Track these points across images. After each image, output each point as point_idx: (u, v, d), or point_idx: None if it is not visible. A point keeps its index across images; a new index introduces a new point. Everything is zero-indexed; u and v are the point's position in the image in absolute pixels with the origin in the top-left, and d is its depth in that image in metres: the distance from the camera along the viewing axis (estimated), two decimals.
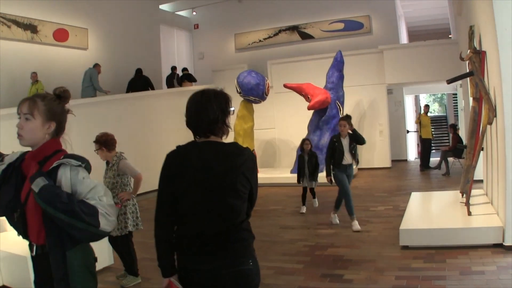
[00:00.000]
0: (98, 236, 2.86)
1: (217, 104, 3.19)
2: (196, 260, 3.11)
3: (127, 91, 18.62)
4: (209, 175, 3.07)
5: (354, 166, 10.09)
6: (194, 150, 3.21)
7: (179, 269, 3.20)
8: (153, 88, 19.31)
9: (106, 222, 2.89)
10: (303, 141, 12.03)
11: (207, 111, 3.18)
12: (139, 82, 19.03)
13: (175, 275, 3.20)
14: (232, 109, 3.28)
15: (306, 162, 11.61)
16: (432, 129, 17.83)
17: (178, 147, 3.28)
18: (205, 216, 3.09)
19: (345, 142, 9.47)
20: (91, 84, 17.13)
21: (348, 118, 9.71)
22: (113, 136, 6.99)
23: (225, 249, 3.09)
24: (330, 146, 9.72)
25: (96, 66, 17.72)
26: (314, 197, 11.87)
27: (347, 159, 9.47)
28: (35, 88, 15.11)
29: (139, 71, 19.37)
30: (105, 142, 6.87)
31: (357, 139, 9.58)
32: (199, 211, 3.10)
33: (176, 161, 3.20)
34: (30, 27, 16.57)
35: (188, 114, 3.30)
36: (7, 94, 15.29)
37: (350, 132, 9.61)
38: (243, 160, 3.15)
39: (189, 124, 3.30)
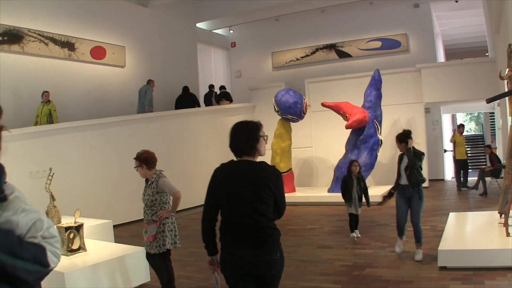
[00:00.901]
0: (46, 274, 2.58)
1: (251, 134, 4.36)
2: (234, 248, 4.23)
3: (176, 109, 19.02)
4: (241, 186, 4.21)
5: (424, 185, 9.06)
6: (232, 167, 4.39)
7: (222, 255, 4.32)
8: (199, 105, 19.65)
9: (55, 260, 2.52)
10: (351, 162, 10.68)
11: (244, 139, 4.36)
12: (185, 100, 19.42)
13: (215, 255, 4.47)
14: (265, 135, 4.45)
15: (354, 186, 10.44)
16: (468, 149, 17.69)
17: (222, 164, 4.46)
18: (240, 217, 4.20)
19: (405, 160, 8.61)
20: (145, 98, 17.73)
21: (404, 135, 8.63)
22: (154, 154, 7.00)
23: (256, 242, 4.20)
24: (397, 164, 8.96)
25: (150, 82, 18.19)
26: (356, 228, 10.49)
27: (404, 179, 8.58)
28: (47, 109, 14.65)
29: (185, 89, 19.88)
30: (145, 160, 6.86)
31: (409, 158, 8.48)
32: (235, 213, 4.23)
33: (218, 175, 4.40)
34: (68, 45, 16.87)
35: (230, 140, 4.45)
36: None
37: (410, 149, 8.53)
38: (267, 174, 4.25)
39: (231, 147, 4.46)
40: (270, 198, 4.19)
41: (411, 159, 8.45)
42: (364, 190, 10.49)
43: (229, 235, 4.26)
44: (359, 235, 10.43)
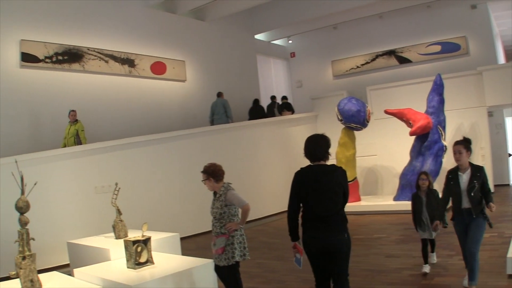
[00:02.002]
0: None
1: (327, 144, 5.99)
2: (315, 232, 5.74)
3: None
4: (318, 184, 5.72)
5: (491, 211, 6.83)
6: (310, 169, 5.92)
7: (304, 238, 5.84)
8: (266, 117, 19.83)
9: None
10: (419, 175, 9.01)
11: (318, 148, 5.94)
12: (255, 112, 19.99)
13: (298, 240, 5.92)
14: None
15: (424, 205, 8.68)
16: None
17: (301, 168, 5.93)
18: (318, 207, 5.70)
19: (464, 178, 6.94)
20: (224, 112, 18.09)
21: (465, 142, 7.08)
22: (221, 167, 7.04)
23: (330, 225, 5.71)
24: (444, 184, 7.33)
25: (222, 94, 18.61)
26: (432, 251, 8.99)
27: (465, 202, 6.85)
28: (74, 129, 14.16)
29: (256, 101, 20.45)
30: (213, 173, 6.92)
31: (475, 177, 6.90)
32: (314, 204, 5.72)
33: (299, 176, 5.88)
34: (128, 61, 17.28)
35: (306, 149, 6.04)
36: (108, 127, 16.05)
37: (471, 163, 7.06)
38: (338, 174, 5.83)
39: (307, 155, 6.02)
40: (340, 191, 5.74)
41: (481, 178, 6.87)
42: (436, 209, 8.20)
43: (310, 222, 5.78)
44: (435, 260, 9.00)
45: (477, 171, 6.95)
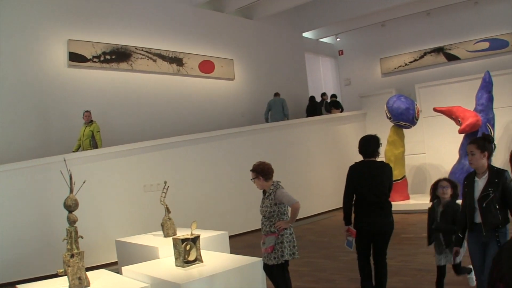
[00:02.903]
0: None
1: (373, 142, 7.03)
2: (366, 216, 6.83)
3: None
4: (370, 176, 6.84)
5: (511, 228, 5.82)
6: (363, 164, 7.03)
7: (356, 222, 6.88)
8: (317, 114, 20.15)
9: None
10: (438, 182, 7.17)
11: (369, 146, 7.02)
12: (311, 109, 20.37)
13: (351, 225, 6.86)
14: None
15: (439, 219, 6.91)
16: None
17: (356, 163, 7.05)
18: (372, 196, 6.78)
19: (480, 184, 5.81)
20: (282, 110, 18.48)
21: (479, 141, 5.97)
22: (270, 166, 7.02)
23: (380, 211, 6.82)
24: (462, 194, 6.20)
25: (277, 94, 19.02)
26: (468, 272, 7.21)
27: (477, 215, 5.75)
28: (89, 130, 13.65)
29: (312, 99, 20.82)
30: (262, 171, 6.91)
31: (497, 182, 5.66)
32: (366, 193, 6.81)
33: (354, 169, 7.01)
34: (176, 60, 17.40)
35: (360, 147, 7.09)
36: (156, 126, 16.12)
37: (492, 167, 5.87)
38: (386, 169, 7.05)
39: (360, 152, 7.08)
40: (387, 183, 6.96)
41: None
42: (452, 225, 6.62)
43: (363, 208, 6.85)
44: (474, 283, 6.95)
45: (496, 176, 5.66)
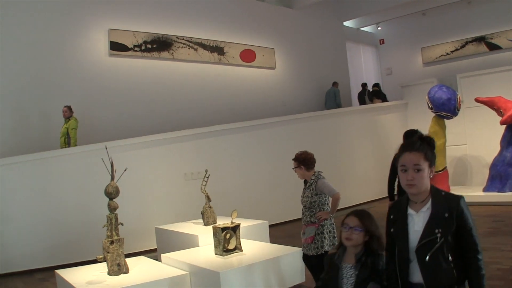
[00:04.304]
0: None
1: (414, 135, 7.00)
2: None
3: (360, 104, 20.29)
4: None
5: None
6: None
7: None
8: (370, 100, 20.44)
9: None
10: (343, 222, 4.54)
11: (410, 138, 6.31)
12: (362, 95, 20.65)
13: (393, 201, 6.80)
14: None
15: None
16: None
17: (396, 154, 5.97)
18: None
19: (418, 221, 3.59)
20: (334, 100, 19.14)
21: (427, 145, 3.69)
22: (313, 155, 7.01)
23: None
24: (386, 233, 4.24)
25: (335, 84, 19.54)
26: None
27: (415, 271, 3.56)
28: (64, 128, 12.84)
29: (363, 85, 21.20)
30: (304, 161, 6.90)
31: None
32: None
33: (397, 159, 5.95)
34: (217, 49, 17.49)
35: (403, 140, 7.61)
36: (197, 114, 16.24)
37: None
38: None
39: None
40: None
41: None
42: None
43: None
44: None
45: (447, 207, 3.49)
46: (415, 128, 8.53)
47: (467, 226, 3.46)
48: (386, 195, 8.59)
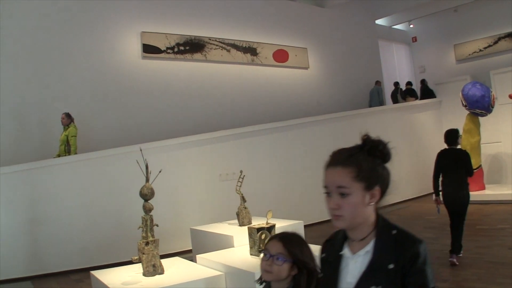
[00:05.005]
0: None
1: (453, 134, 9.18)
2: (449, 189, 8.65)
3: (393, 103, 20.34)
4: (453, 160, 8.83)
5: None
6: (449, 151, 9.08)
7: (443, 193, 8.54)
8: (403, 98, 20.47)
9: None
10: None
11: (451, 137, 9.12)
12: (395, 94, 20.74)
13: (438, 196, 8.98)
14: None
15: None
16: None
17: (441, 150, 9.16)
18: (454, 175, 8.75)
19: (354, 269, 2.37)
20: (378, 98, 19.42)
21: (361, 156, 2.77)
22: None
23: (459, 185, 8.67)
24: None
25: (378, 83, 19.89)
26: None
27: None
28: (64, 136, 12.46)
29: (396, 84, 21.22)
30: None
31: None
32: (449, 172, 8.85)
33: (441, 155, 9.05)
34: (250, 50, 17.54)
35: (444, 138, 9.23)
36: (231, 115, 16.27)
37: None
38: (464, 155, 8.99)
39: (447, 141, 9.16)
40: (465, 164, 8.84)
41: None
42: None
43: (446, 184, 8.89)
44: None
45: (393, 255, 2.31)
46: (449, 127, 8.98)
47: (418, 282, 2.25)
48: (422, 194, 10.17)
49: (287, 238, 3.19)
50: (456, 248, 8.79)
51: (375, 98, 20.14)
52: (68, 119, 12.53)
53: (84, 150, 12.35)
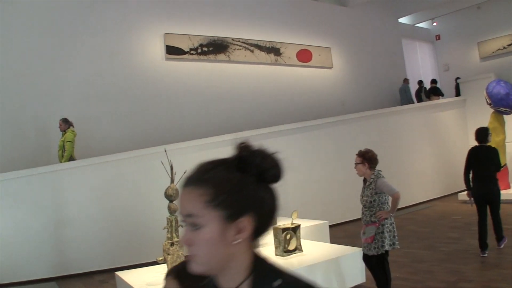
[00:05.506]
0: None
1: (483, 132, 9.61)
2: (479, 184, 9.28)
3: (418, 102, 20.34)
4: (484, 156, 9.35)
5: None
6: (477, 147, 9.55)
7: (473, 189, 9.37)
8: (427, 97, 20.51)
9: None
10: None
11: (481, 135, 9.56)
12: (419, 93, 20.82)
13: (470, 190, 9.41)
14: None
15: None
16: None
17: (472, 147, 9.63)
18: (485, 170, 9.29)
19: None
20: (406, 96, 19.68)
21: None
22: (377, 156, 6.98)
23: (488, 181, 9.23)
24: None
25: (405, 81, 20.20)
26: None
27: None
28: (61, 141, 12.29)
29: (420, 82, 21.24)
30: (370, 159, 6.88)
31: None
32: (479, 168, 9.36)
33: (472, 151, 9.54)
34: (273, 50, 17.49)
35: (475, 135, 9.63)
36: (255, 115, 16.23)
37: None
38: (494, 152, 9.39)
39: (478, 139, 9.53)
40: (494, 162, 9.30)
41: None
42: None
43: (476, 179, 9.35)
44: None
45: None
46: (474, 125, 9.06)
47: None
48: (447, 193, 10.11)
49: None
50: (499, 235, 9.59)
51: (404, 96, 20.32)
52: (65, 125, 12.34)
53: (108, 152, 12.40)
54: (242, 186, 1.71)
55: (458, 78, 21.15)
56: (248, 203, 1.70)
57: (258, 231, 1.76)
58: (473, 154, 9.55)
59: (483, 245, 9.22)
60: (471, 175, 9.50)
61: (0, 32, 12.56)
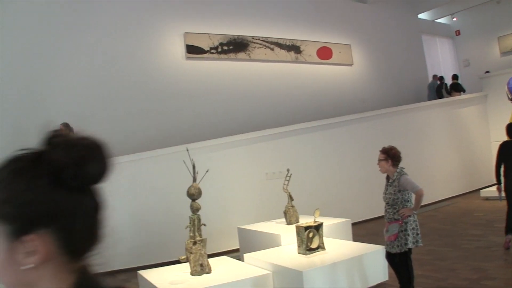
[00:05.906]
0: None
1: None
2: (510, 177, 9.17)
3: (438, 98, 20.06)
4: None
5: None
6: (508, 142, 9.59)
7: (505, 182, 9.35)
8: (447, 93, 20.33)
9: None
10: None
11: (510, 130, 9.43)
12: (440, 89, 20.62)
13: (500, 184, 9.52)
14: None
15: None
16: None
17: (503, 141, 9.69)
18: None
19: None
20: (432, 93, 19.99)
21: None
22: (400, 153, 6.94)
23: None
24: None
25: (434, 77, 20.36)
26: None
27: None
28: None
29: (440, 78, 21.01)
30: (393, 156, 6.84)
31: None
32: (510, 162, 9.29)
33: (502, 145, 9.61)
34: (294, 48, 17.49)
35: (506, 131, 9.63)
36: (277, 113, 16.18)
37: None
38: None
39: (507, 134, 9.60)
40: None
41: None
42: None
43: (508, 173, 9.26)
44: None
45: None
46: (495, 121, 9.00)
47: None
48: (469, 190, 10.06)
49: None
50: None
51: (431, 92, 20.58)
52: (66, 130, 11.86)
53: (131, 151, 12.44)
54: (28, 191, 1.29)
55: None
56: (36, 215, 1.30)
57: (74, 251, 1.47)
58: (504, 149, 9.68)
59: (510, 230, 9.39)
60: (502, 169, 9.56)
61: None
